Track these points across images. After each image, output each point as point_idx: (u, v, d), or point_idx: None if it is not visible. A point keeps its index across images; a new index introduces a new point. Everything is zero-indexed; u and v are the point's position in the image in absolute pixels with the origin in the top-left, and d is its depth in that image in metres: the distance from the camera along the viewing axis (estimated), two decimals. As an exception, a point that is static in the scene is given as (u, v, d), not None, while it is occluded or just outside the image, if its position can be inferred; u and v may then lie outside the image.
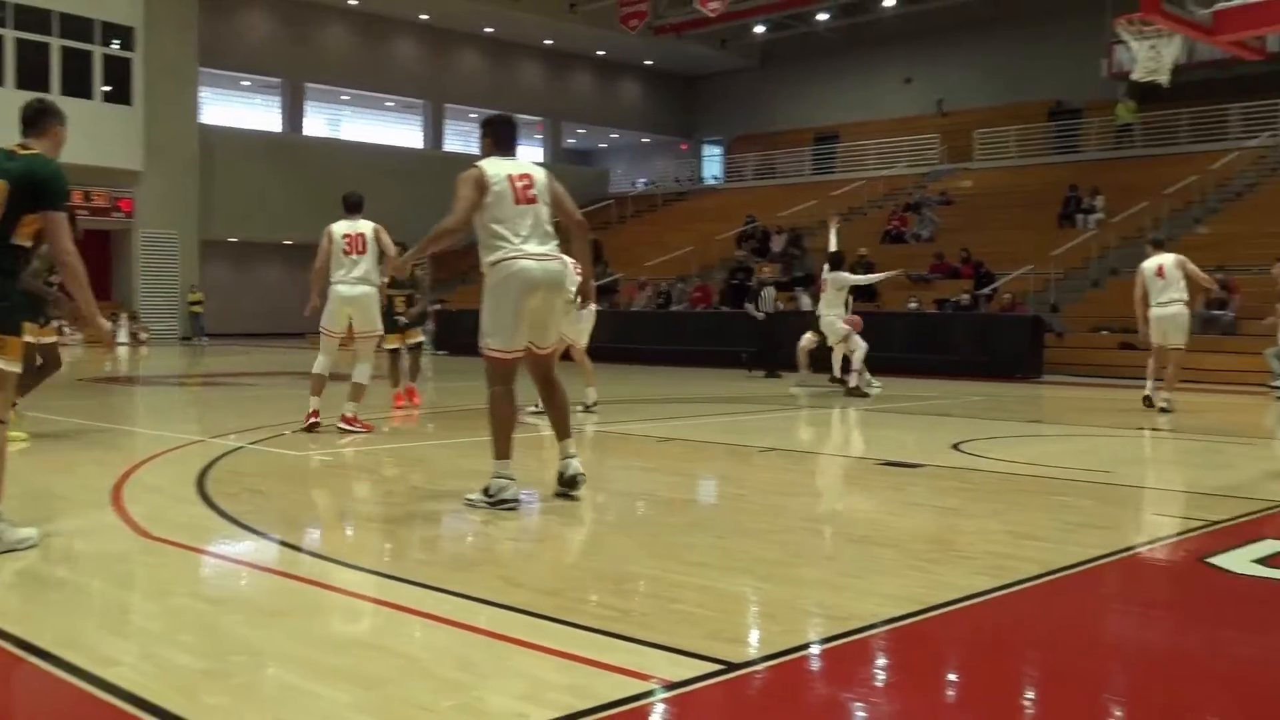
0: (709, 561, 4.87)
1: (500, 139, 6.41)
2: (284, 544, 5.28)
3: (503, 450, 6.15)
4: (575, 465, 6.35)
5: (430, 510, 6.33)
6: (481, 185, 6.12)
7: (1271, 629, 4.16)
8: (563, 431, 6.47)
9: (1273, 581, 4.68)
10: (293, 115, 37.35)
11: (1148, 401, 12.80)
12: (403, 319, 12.02)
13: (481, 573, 4.75)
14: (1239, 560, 4.94)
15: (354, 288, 9.57)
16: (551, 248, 6.22)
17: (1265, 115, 28.04)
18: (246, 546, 5.26)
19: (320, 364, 9.65)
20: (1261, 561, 4.92)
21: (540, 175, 6.31)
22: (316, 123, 39.33)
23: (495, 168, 6.21)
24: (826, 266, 15.28)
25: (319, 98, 38.70)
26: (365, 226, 9.69)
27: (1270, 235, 21.75)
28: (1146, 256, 13.34)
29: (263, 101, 38.37)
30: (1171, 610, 4.40)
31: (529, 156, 6.66)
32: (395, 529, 5.86)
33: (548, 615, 3.98)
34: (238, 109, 38.18)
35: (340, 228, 9.63)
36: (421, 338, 12.41)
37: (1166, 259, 13.02)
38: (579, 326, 11.13)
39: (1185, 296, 12.81)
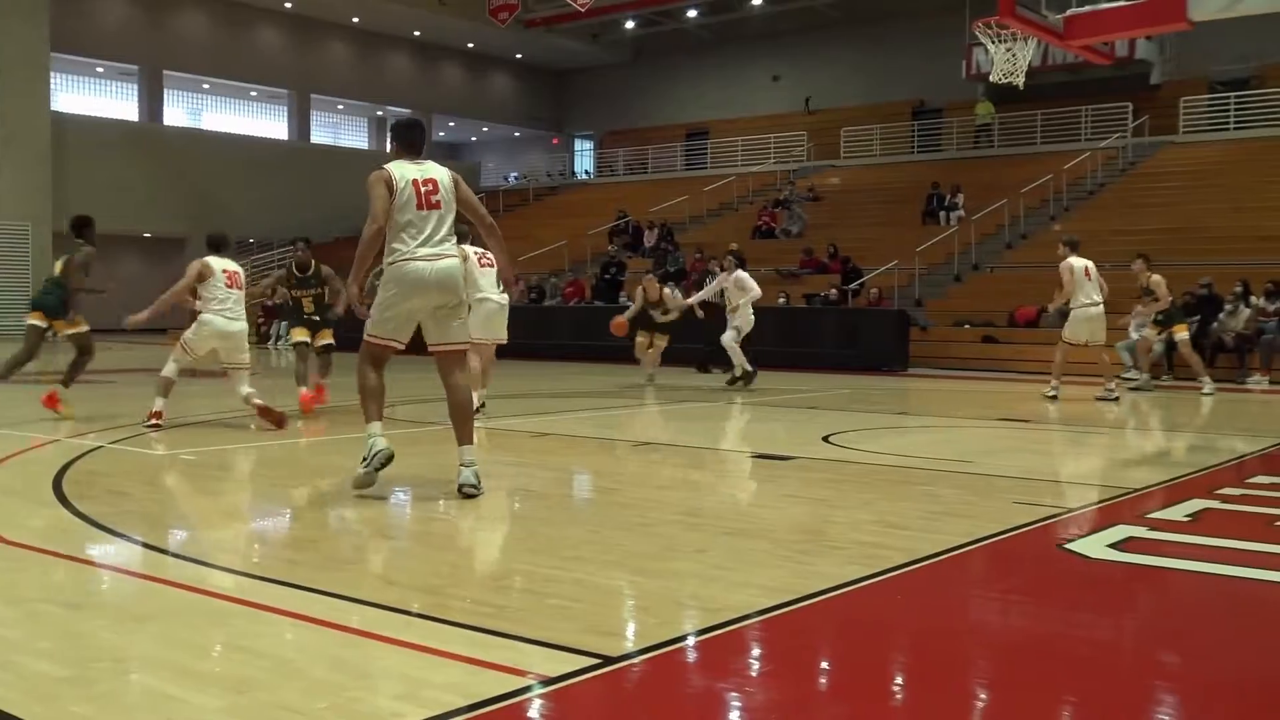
0: (584, 556, 4.88)
1: (406, 143, 6.50)
2: (147, 546, 5.13)
3: (370, 415, 6.36)
4: (465, 475, 6.28)
5: (301, 509, 6.22)
6: (390, 186, 6.22)
7: (1124, 610, 4.35)
8: (459, 437, 6.42)
9: (1125, 565, 4.89)
10: (151, 104, 36.18)
11: (1054, 399, 13.37)
12: (318, 318, 11.70)
13: (354, 571, 4.68)
14: (1094, 545, 5.15)
15: (232, 324, 9.73)
16: (446, 248, 6.30)
17: (1115, 117, 29.20)
18: (108, 549, 5.09)
19: (170, 370, 9.76)
20: (1115, 546, 5.14)
21: (445, 179, 6.39)
22: (177, 112, 38.18)
23: (401, 171, 6.30)
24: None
25: (179, 86, 37.56)
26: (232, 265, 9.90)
27: (1119, 233, 22.67)
28: (1062, 256, 13.84)
29: (119, 89, 37.11)
30: (1031, 595, 4.56)
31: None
32: (264, 528, 5.74)
33: (423, 613, 3.94)
34: (93, 97, 36.85)
35: (218, 263, 9.80)
36: (331, 340, 12.03)
37: (1088, 261, 13.72)
38: (493, 323, 10.86)
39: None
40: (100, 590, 4.52)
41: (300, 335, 11.80)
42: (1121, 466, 8.16)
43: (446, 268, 6.28)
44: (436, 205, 6.29)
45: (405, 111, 42.34)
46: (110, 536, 5.25)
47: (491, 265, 10.56)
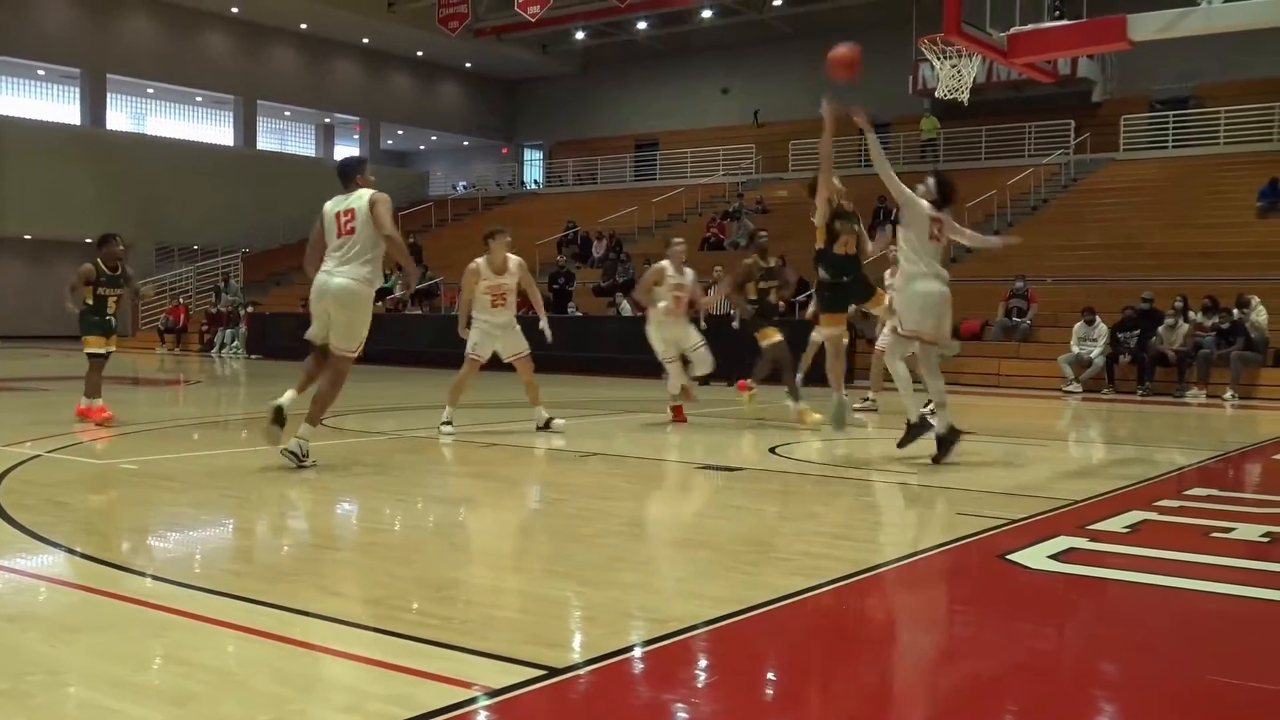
0: (530, 566, 4.87)
1: (340, 178, 7.95)
2: (86, 556, 5.05)
3: (302, 386, 7.84)
4: (291, 444, 7.45)
5: (244, 519, 6.15)
6: (323, 221, 7.81)
7: (1063, 619, 4.41)
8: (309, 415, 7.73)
9: (1065, 576, 4.95)
10: (94, 108, 35.68)
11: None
12: (114, 321, 11.12)
13: (297, 583, 4.64)
14: (1035, 556, 5.21)
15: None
16: (347, 269, 7.62)
17: (1057, 134, 29.65)
18: (45, 560, 5.01)
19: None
20: (1055, 557, 5.20)
21: (362, 207, 7.66)
22: (120, 116, 37.69)
23: (329, 204, 7.84)
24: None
25: (122, 90, 37.09)
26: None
27: (1062, 248, 23.02)
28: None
29: (61, 93, 36.58)
30: (973, 604, 4.61)
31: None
32: (206, 539, 5.68)
33: (367, 625, 3.92)
34: (34, 100, 36.30)
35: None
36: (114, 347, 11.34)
37: None
38: (509, 338, 10.74)
39: None
40: (37, 602, 4.44)
41: (98, 346, 11.00)
42: (1062, 479, 8.27)
43: (340, 284, 7.61)
44: (351, 231, 7.66)
45: (353, 119, 42.20)
46: (47, 547, 5.17)
47: (495, 294, 10.48)
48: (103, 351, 10.98)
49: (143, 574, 4.75)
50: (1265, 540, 5.76)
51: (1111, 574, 4.97)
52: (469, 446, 9.60)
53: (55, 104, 36.50)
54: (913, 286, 8.35)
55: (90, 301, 10.85)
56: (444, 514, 6.45)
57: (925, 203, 8.54)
